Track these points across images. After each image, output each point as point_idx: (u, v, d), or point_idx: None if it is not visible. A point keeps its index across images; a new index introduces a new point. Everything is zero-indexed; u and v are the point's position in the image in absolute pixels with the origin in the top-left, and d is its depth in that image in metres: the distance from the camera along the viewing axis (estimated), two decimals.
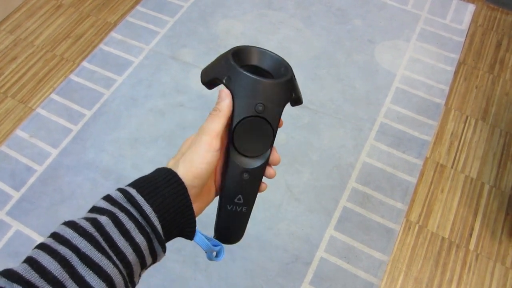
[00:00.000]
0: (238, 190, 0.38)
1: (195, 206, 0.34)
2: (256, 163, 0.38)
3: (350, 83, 1.25)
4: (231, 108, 0.36)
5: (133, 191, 0.31)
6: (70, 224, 0.29)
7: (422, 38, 1.34)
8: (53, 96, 1.23)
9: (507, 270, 0.96)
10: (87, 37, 1.37)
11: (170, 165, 0.35)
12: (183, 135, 1.15)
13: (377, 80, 1.25)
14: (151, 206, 0.31)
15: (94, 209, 0.31)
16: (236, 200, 0.38)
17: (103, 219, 0.29)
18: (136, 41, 1.35)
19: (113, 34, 1.37)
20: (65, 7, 1.44)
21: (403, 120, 1.17)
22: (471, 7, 1.41)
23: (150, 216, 0.30)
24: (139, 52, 1.32)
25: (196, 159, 0.34)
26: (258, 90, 0.36)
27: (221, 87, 0.36)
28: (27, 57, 1.32)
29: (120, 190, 0.32)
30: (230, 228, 0.40)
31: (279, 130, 0.38)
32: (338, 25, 1.37)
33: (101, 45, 1.34)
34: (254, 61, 0.39)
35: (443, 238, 1.00)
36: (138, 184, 0.32)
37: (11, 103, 1.23)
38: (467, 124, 1.18)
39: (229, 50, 0.38)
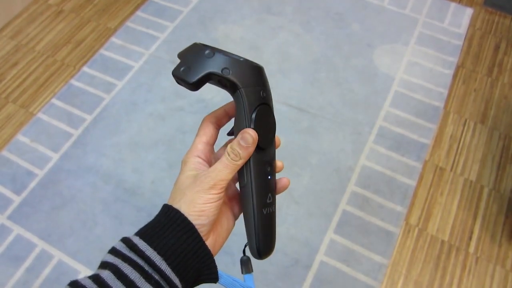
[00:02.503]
0: (267, 188, 0.34)
1: (209, 243, 0.32)
2: (270, 152, 0.34)
3: (349, 87, 1.25)
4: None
5: (135, 238, 0.29)
6: (73, 285, 0.28)
7: (420, 42, 1.34)
8: (54, 101, 1.24)
9: (507, 273, 0.96)
10: (88, 43, 1.38)
11: (169, 203, 0.32)
12: (183, 139, 1.15)
13: (376, 84, 1.26)
14: (155, 249, 0.28)
15: (101, 264, 0.29)
16: (268, 201, 0.34)
17: (105, 274, 0.28)
18: (136, 46, 1.36)
19: (113, 39, 1.38)
20: (66, 13, 1.46)
21: (402, 124, 1.18)
22: (469, 11, 1.42)
23: (155, 261, 0.28)
24: (139, 57, 1.33)
25: (199, 200, 0.31)
26: (259, 75, 0.33)
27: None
28: (28, 62, 1.33)
29: (123, 239, 0.30)
30: (269, 236, 0.35)
31: (278, 133, 0.36)
32: (337, 30, 1.38)
33: (102, 50, 1.35)
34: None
35: (442, 241, 1.00)
36: (141, 230, 0.30)
37: (12, 108, 1.23)
38: (466, 127, 1.18)
39: (197, 45, 0.34)
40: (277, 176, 0.37)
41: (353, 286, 0.94)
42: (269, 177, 0.34)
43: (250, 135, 0.32)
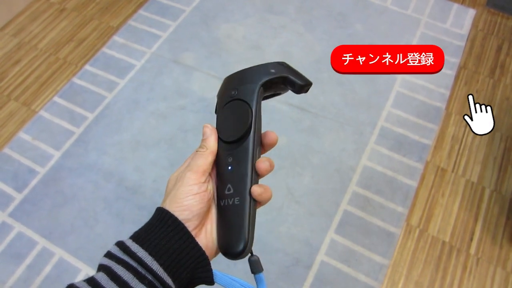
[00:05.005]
0: (226, 179, 0.34)
1: (201, 241, 0.32)
2: (241, 145, 0.35)
3: (350, 87, 1.25)
4: (216, 145, 0.36)
5: (128, 241, 0.30)
6: None
7: (422, 43, 1.34)
8: (56, 99, 1.24)
9: (507, 274, 0.96)
10: (90, 41, 1.38)
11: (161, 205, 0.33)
12: (185, 138, 1.15)
13: (377, 84, 1.26)
14: (147, 250, 0.29)
15: (97, 268, 0.30)
16: (226, 192, 0.34)
17: (99, 276, 0.29)
18: (138, 45, 1.36)
19: (115, 37, 1.38)
20: (68, 11, 1.46)
21: (403, 124, 1.18)
22: (471, 12, 1.42)
23: (147, 261, 0.29)
24: (141, 56, 1.33)
25: (181, 195, 0.32)
26: (231, 83, 0.38)
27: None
28: (30, 60, 1.33)
29: (117, 243, 0.31)
30: (230, 231, 0.33)
31: (279, 133, 0.36)
32: (339, 29, 1.38)
33: (104, 49, 1.35)
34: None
35: (443, 242, 1.00)
36: (135, 233, 0.31)
37: (15, 106, 1.23)
38: (467, 128, 1.18)
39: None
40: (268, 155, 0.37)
41: (353, 286, 0.94)
42: (229, 167, 0.34)
43: (206, 128, 0.36)
